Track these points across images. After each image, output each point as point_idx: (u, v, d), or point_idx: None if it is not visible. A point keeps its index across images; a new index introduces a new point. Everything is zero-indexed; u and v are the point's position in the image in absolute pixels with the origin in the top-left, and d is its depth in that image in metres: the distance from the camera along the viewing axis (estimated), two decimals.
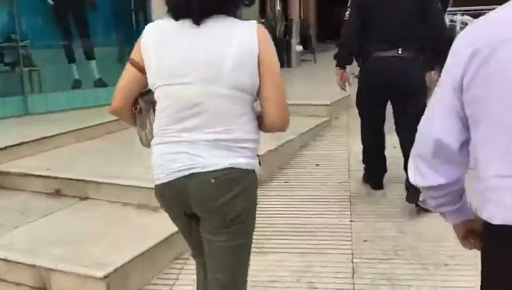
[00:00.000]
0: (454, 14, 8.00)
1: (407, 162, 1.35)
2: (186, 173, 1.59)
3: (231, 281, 1.72)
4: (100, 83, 6.05)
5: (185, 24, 1.58)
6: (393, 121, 3.53)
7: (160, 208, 1.81)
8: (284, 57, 10.37)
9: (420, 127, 1.27)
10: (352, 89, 3.89)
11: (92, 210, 3.40)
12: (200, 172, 1.58)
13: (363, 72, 3.57)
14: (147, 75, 1.64)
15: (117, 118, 1.86)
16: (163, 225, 2.45)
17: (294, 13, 15.11)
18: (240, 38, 1.56)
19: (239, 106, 1.59)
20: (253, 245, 1.76)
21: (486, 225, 1.17)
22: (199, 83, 1.55)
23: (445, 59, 1.23)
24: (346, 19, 3.56)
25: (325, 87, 7.20)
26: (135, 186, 3.44)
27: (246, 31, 1.58)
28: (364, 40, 3.44)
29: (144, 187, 3.34)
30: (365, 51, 3.46)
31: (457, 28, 7.44)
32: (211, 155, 1.58)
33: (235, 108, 1.58)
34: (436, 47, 3.21)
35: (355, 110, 3.87)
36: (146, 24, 1.71)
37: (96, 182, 3.58)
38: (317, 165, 4.43)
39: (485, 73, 1.10)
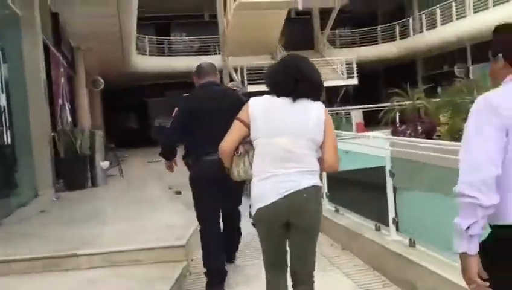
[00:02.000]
0: None
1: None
2: (288, 192, 2.53)
3: (312, 257, 2.74)
4: None
5: (285, 100, 2.63)
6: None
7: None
8: (88, 176, 8.73)
9: (479, 159, 1.72)
10: None
11: None
12: (296, 190, 2.54)
13: (195, 174, 3.93)
14: (251, 130, 2.64)
15: None
16: None
17: (85, 123, 13.70)
18: (315, 112, 2.64)
19: (313, 151, 2.62)
20: None
21: None
22: (292, 137, 2.57)
23: None
24: (171, 121, 3.98)
25: (159, 214, 5.96)
26: None
27: (318, 108, 2.66)
28: (191, 144, 3.95)
29: None
30: (193, 154, 3.93)
31: None
32: (301, 179, 2.56)
33: (311, 153, 2.61)
34: None
35: None
36: None
37: None
38: None
39: None
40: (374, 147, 4.57)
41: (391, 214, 4.08)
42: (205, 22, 25.12)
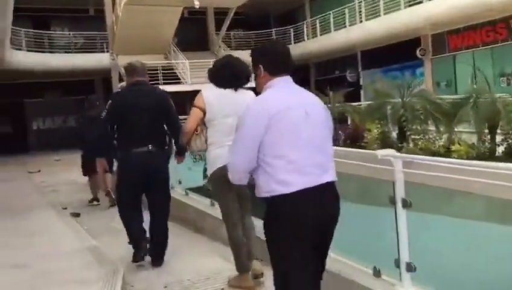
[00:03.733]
0: None
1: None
2: None
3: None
4: None
5: (229, 90, 3.68)
6: None
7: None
8: None
9: (239, 159, 2.48)
10: None
11: None
12: None
13: (123, 164, 4.40)
14: (207, 113, 3.65)
15: None
16: None
17: None
18: (249, 98, 3.53)
19: None
20: None
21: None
22: (237, 117, 3.02)
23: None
24: (102, 116, 4.38)
25: (59, 254, 4.59)
26: None
27: (251, 95, 3.61)
28: (121, 138, 4.33)
29: None
30: (123, 146, 4.31)
31: None
32: None
33: None
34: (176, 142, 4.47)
35: None
36: None
37: None
38: None
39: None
40: None
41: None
42: (90, 17, 23.13)
